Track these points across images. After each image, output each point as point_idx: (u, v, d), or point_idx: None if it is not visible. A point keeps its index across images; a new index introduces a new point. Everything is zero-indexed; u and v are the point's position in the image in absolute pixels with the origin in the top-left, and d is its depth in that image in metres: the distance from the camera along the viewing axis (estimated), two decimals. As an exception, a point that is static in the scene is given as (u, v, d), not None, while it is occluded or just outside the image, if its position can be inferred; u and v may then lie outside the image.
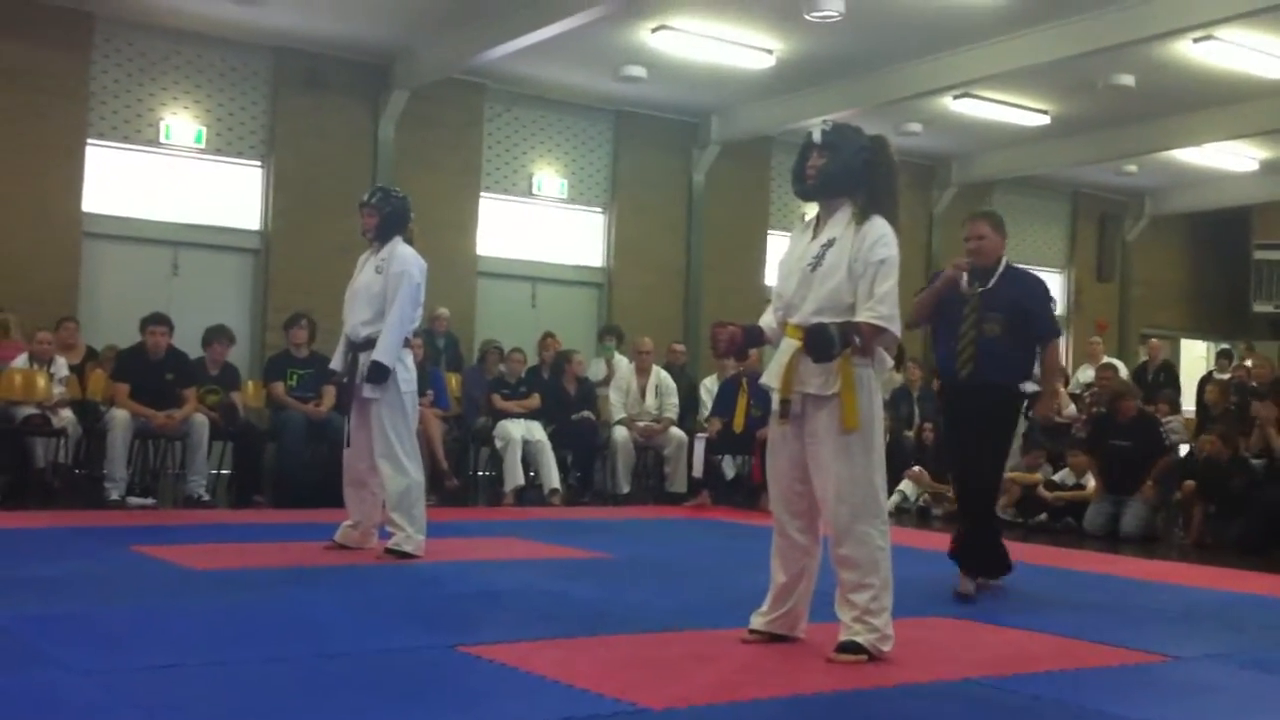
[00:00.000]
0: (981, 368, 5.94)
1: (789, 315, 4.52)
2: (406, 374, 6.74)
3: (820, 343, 4.28)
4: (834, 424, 4.35)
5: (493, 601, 5.54)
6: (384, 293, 6.69)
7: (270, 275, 12.27)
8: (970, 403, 6.04)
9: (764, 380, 4.61)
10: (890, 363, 4.80)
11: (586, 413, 11.11)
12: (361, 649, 4.33)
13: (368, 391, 6.64)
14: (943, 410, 6.78)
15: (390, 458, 6.63)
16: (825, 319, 4.34)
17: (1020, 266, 6.40)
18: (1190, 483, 9.44)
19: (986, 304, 5.95)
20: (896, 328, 4.34)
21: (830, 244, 4.44)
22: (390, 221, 6.84)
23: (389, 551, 6.62)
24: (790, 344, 4.47)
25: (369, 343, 6.67)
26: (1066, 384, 12.42)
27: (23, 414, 9.21)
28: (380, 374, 6.58)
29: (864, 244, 4.37)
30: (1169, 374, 14.10)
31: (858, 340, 4.31)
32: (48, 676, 3.76)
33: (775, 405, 4.49)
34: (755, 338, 4.71)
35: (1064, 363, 13.45)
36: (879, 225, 4.40)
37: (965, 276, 6.01)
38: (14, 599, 4.99)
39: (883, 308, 4.31)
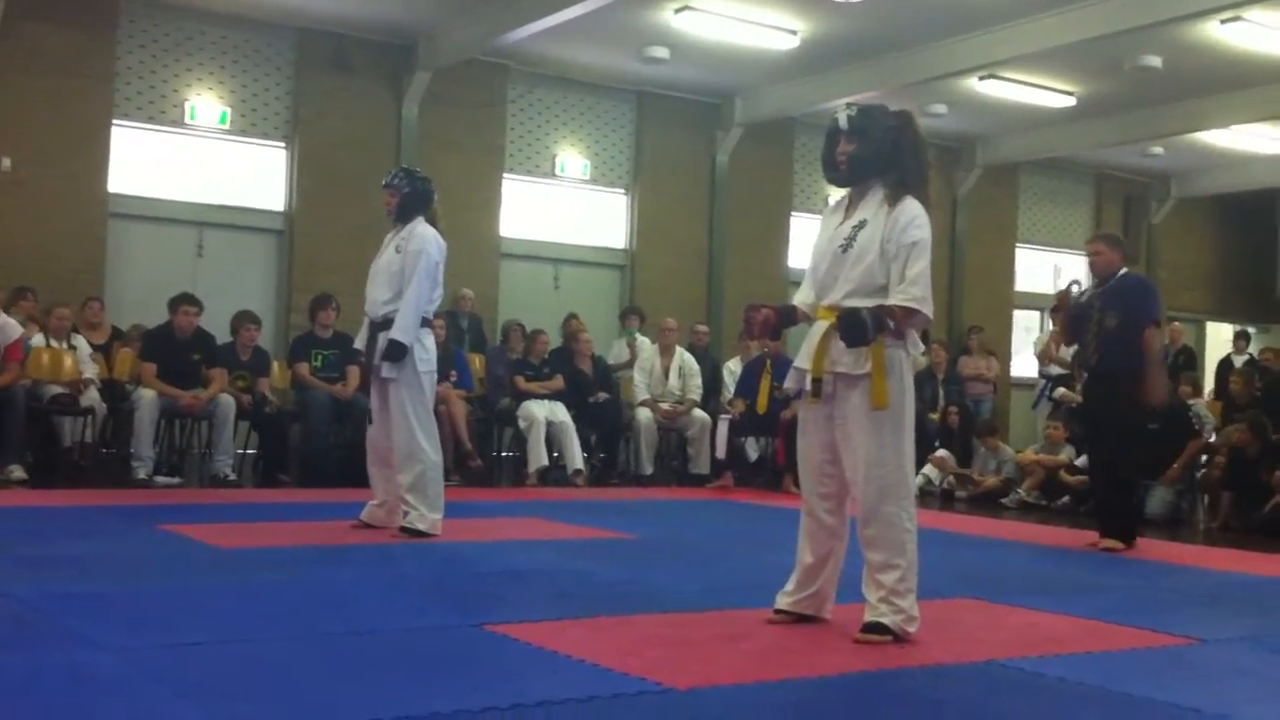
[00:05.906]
0: (1105, 355, 7.33)
1: (821, 296, 4.51)
2: (425, 354, 6.73)
3: (854, 328, 4.26)
4: (865, 403, 4.34)
5: (518, 581, 5.56)
6: (403, 272, 6.69)
7: (294, 255, 12.31)
8: (1100, 386, 7.44)
9: (796, 361, 4.59)
10: (921, 345, 4.81)
11: (603, 395, 11.10)
12: (389, 627, 4.35)
13: (386, 371, 6.66)
14: (1083, 394, 8.31)
15: (407, 436, 6.65)
16: (857, 301, 4.33)
17: (1134, 273, 7.91)
18: (1220, 459, 9.38)
19: (1105, 303, 7.38)
20: (929, 309, 4.32)
21: (862, 225, 4.43)
22: (410, 202, 6.83)
23: (403, 529, 6.66)
24: (822, 324, 4.46)
25: (388, 322, 6.67)
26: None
27: (50, 393, 9.27)
28: (397, 352, 6.58)
29: (896, 225, 4.35)
30: (1189, 357, 14.01)
31: (891, 324, 4.30)
32: (75, 654, 3.78)
33: (807, 385, 4.49)
34: (789, 318, 4.69)
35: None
36: (911, 207, 4.39)
37: (1075, 289, 7.65)
38: (42, 577, 5.03)
39: (915, 289, 4.29)
